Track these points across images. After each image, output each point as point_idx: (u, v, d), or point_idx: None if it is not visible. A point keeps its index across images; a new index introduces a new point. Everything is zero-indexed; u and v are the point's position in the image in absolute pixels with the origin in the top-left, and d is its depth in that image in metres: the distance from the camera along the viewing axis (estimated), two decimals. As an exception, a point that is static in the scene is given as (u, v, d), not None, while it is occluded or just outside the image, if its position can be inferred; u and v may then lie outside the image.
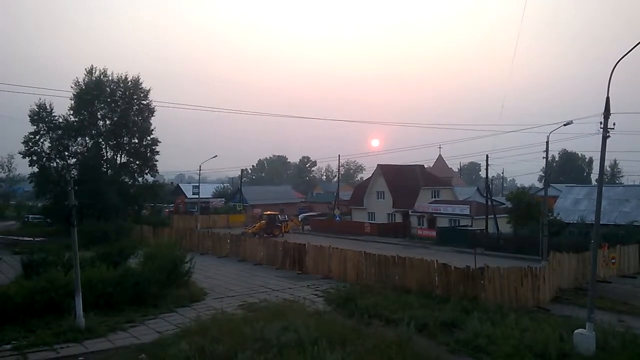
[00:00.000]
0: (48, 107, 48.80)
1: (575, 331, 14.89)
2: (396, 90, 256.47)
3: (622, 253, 30.23)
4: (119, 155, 52.67)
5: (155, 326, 17.98)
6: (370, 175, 66.13)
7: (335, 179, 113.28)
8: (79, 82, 50.44)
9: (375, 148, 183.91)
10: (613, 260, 29.05)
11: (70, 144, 50.46)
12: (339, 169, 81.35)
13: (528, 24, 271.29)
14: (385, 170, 61.16)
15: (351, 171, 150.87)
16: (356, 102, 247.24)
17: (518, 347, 14.67)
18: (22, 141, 48.63)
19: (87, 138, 51.16)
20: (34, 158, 48.78)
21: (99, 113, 51.22)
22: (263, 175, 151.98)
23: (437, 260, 23.54)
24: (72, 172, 49.00)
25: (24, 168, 60.88)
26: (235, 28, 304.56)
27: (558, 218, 40.44)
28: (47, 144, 49.55)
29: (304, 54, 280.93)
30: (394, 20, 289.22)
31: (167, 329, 17.46)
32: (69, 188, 18.53)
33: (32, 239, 40.70)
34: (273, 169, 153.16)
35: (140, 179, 54.03)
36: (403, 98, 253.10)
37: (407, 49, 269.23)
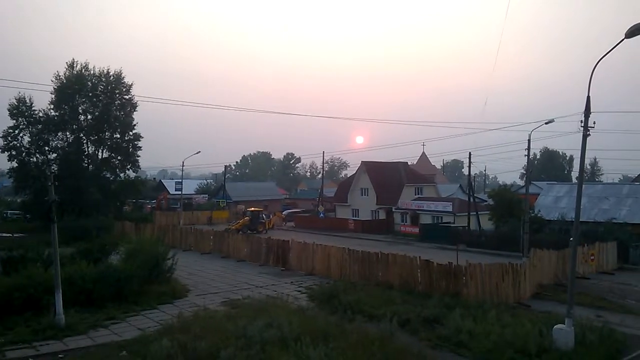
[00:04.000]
0: (28, 100, 48.07)
1: (555, 327, 15.11)
2: (380, 88, 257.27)
3: (600, 250, 30.75)
4: (100, 151, 52.04)
5: (137, 323, 17.82)
6: (355, 172, 66.30)
7: (320, 175, 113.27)
8: (59, 76, 49.71)
9: (360, 145, 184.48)
10: (592, 257, 29.55)
11: (50, 138, 49.73)
12: (323, 166, 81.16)
13: (511, 24, 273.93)
14: (369, 167, 61.36)
15: (335, 168, 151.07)
16: (341, 99, 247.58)
17: (499, 343, 14.85)
18: (0, 135, 47.87)
19: (67, 133, 50.43)
20: (13, 153, 48.00)
21: (80, 107, 50.50)
22: (247, 171, 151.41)
23: (419, 257, 23.69)
24: (52, 167, 48.20)
25: (2, 163, 59.79)
26: (220, 24, 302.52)
27: (539, 215, 40.94)
28: (26, 139, 48.87)
29: (290, 51, 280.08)
30: (378, 19, 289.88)
31: (149, 325, 17.32)
32: (49, 183, 18.22)
33: (10, 235, 39.95)
34: (257, 166, 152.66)
35: (122, 174, 53.49)
36: (387, 96, 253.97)
37: (392, 48, 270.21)
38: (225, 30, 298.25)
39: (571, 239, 29.14)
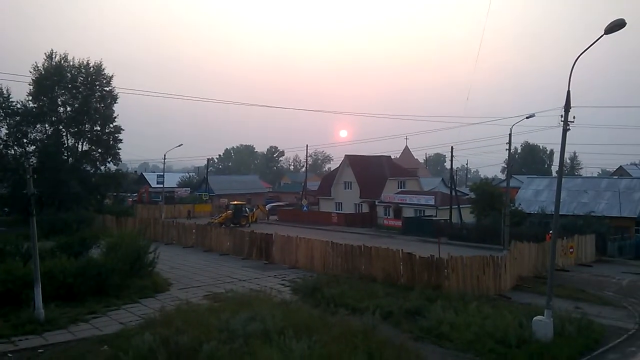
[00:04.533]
0: (5, 92, 47.05)
1: (534, 318, 15.35)
2: (364, 82, 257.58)
3: (579, 243, 31.28)
4: (80, 143, 51.16)
5: (118, 317, 17.68)
6: (338, 165, 66.34)
7: (303, 169, 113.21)
8: (38, 67, 48.67)
9: (343, 139, 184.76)
10: (571, 250, 30.03)
11: (29, 130, 48.72)
12: (306, 159, 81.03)
13: (493, 19, 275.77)
14: (352, 161, 61.46)
15: (319, 161, 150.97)
16: (325, 93, 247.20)
17: (479, 334, 15.07)
18: (-23, 128, 46.79)
19: (46, 125, 49.48)
20: (-10, 145, 46.99)
21: (59, 99, 49.57)
22: (230, 164, 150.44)
23: (402, 250, 23.86)
24: (31, 159, 47.34)
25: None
26: (202, 16, 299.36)
27: (519, 208, 41.45)
28: (4, 131, 47.80)
29: (274, 44, 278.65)
30: (363, 13, 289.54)
31: (130, 320, 17.19)
32: (28, 176, 17.91)
33: (-12, 228, 39.32)
34: (240, 159, 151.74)
35: (102, 167, 52.68)
36: (371, 90, 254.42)
37: (375, 42, 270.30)
38: (208, 23, 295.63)
39: (550, 232, 29.73)
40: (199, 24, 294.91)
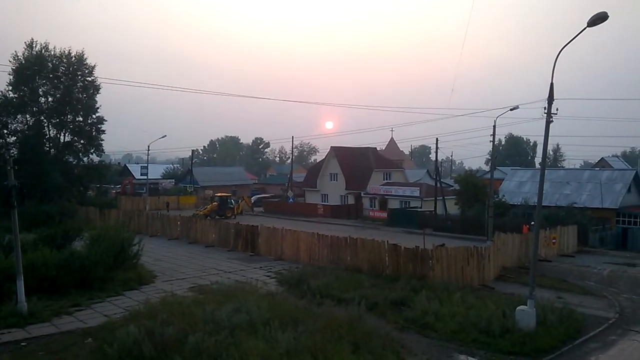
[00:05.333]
0: (-16, 81, 46.16)
1: (517, 308, 15.56)
2: (350, 73, 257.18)
3: (562, 233, 31.71)
4: (62, 134, 50.37)
5: (102, 310, 17.54)
6: (324, 157, 66.29)
7: (289, 160, 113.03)
8: (18, 57, 47.70)
9: (329, 130, 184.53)
10: (554, 241, 30.46)
11: (9, 121, 47.82)
12: (292, 151, 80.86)
13: (478, 11, 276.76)
14: (338, 153, 61.48)
15: (305, 153, 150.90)
16: (310, 84, 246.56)
17: (463, 324, 15.26)
18: (-45, 117, 45.85)
19: (27, 115, 48.59)
20: (-30, 136, 46.11)
21: (40, 89, 48.67)
22: (215, 156, 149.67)
23: (387, 241, 23.96)
24: (12, 151, 46.57)
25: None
26: (189, 6, 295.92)
27: (503, 200, 41.92)
28: (-17, 121, 46.89)
29: (259, 35, 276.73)
30: (347, 4, 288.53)
31: (115, 312, 17.07)
32: (8, 167, 17.59)
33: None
34: (225, 150, 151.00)
35: (85, 158, 51.93)
36: (356, 81, 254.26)
37: (361, 34, 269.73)
38: (193, 13, 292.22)
39: (532, 223, 30.14)
40: (186, 14, 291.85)
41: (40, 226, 29.60)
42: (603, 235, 36.29)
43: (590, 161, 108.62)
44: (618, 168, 60.96)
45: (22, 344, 14.09)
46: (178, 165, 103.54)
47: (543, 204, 17.99)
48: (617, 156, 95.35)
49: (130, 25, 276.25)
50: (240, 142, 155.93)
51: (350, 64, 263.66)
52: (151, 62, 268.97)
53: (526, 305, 15.48)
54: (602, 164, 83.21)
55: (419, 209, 48.66)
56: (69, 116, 49.83)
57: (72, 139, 50.74)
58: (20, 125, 48.55)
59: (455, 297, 17.89)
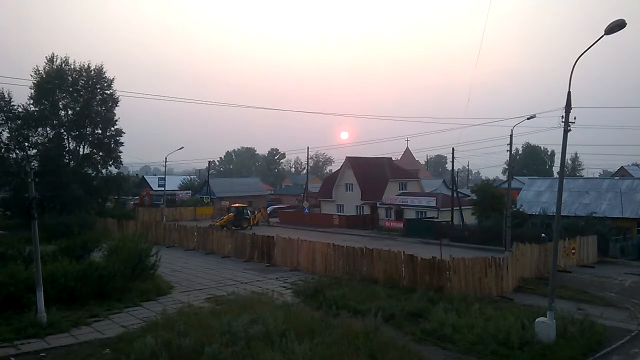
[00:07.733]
0: (6, 95, 47.20)
1: (537, 319, 15.31)
2: (366, 84, 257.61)
3: (581, 243, 31.19)
4: (81, 146, 51.31)
5: (120, 320, 17.67)
6: (339, 167, 66.28)
7: (304, 171, 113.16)
8: (39, 71, 48.90)
9: (344, 141, 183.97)
10: (573, 251, 29.96)
11: (30, 134, 48.91)
12: (307, 161, 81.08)
13: (493, 21, 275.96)
14: (353, 163, 61.44)
15: (320, 163, 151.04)
16: (326, 95, 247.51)
17: (482, 336, 15.03)
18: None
19: (48, 128, 49.66)
20: (-8, 149, 47.07)
21: (60, 103, 49.75)
22: (231, 167, 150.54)
23: (404, 252, 23.82)
24: (32, 163, 47.50)
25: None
26: (204, 21, 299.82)
27: (521, 210, 41.37)
28: (5, 134, 47.98)
29: (276, 48, 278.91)
30: (364, 17, 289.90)
31: (132, 323, 17.18)
32: (29, 180, 17.92)
33: (-10, 232, 39.34)
34: (241, 161, 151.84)
35: (104, 170, 52.83)
36: (372, 92, 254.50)
37: (377, 45, 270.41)
38: (209, 27, 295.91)
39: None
40: (201, 29, 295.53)
41: (59, 237, 29.98)
42: (624, 246, 35.57)
43: (609, 170, 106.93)
44: (638, 177, 59.86)
45: (42, 354, 14.22)
46: (195, 176, 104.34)
47: (562, 214, 17.76)
48: (637, 165, 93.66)
49: (149, 40, 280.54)
50: (256, 153, 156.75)
51: (366, 74, 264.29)
52: (169, 76, 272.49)
53: (546, 316, 15.23)
54: (622, 172, 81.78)
55: (436, 219, 48.27)
56: (88, 129, 50.76)
57: (91, 151, 51.63)
58: (40, 138, 49.62)
59: (473, 308, 17.67)
